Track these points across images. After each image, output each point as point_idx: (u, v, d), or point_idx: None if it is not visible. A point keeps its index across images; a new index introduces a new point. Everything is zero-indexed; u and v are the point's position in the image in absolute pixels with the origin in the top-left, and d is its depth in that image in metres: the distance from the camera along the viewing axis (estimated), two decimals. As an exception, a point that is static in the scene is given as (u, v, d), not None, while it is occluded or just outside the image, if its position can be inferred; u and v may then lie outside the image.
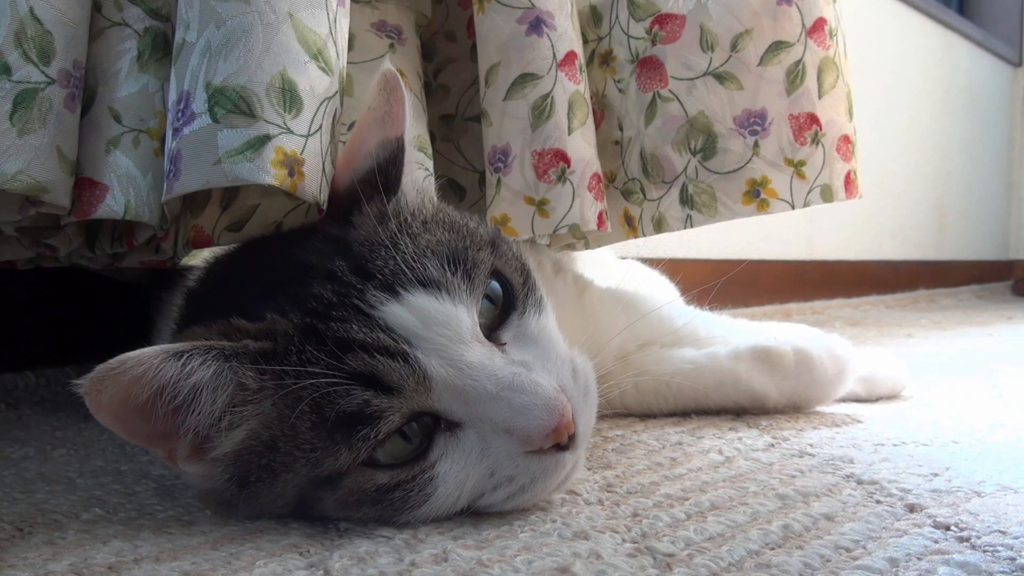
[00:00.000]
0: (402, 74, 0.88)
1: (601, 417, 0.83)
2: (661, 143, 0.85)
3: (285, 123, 0.55)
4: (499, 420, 0.50)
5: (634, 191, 0.89)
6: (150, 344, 0.48)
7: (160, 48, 0.62)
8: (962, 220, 3.34)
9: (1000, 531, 0.52)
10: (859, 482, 0.62)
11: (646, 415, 0.85)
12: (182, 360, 0.48)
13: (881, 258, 2.75)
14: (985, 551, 0.48)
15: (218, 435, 0.50)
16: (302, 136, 0.56)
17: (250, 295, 0.53)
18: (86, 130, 0.61)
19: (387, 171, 0.57)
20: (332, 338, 0.49)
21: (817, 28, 0.83)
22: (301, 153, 0.56)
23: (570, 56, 0.82)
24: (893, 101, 2.78)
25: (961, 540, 0.50)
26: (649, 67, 0.85)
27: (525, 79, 0.81)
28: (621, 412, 0.85)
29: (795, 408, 0.86)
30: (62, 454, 0.68)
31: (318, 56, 0.57)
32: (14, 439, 0.72)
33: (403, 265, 0.52)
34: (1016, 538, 0.50)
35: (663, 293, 1.12)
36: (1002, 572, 0.45)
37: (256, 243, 0.62)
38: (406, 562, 0.46)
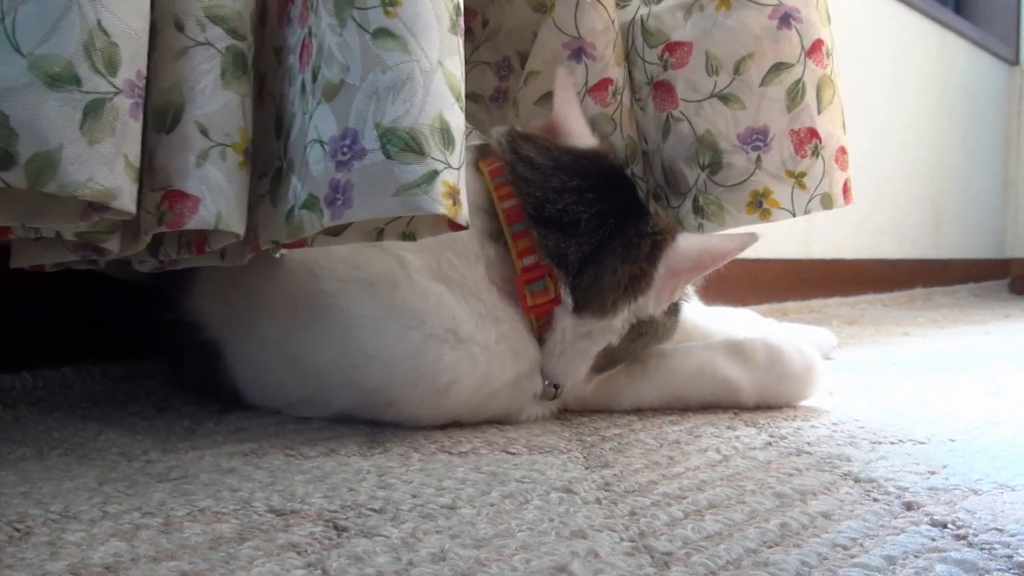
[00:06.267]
0: None
1: (599, 415, 0.84)
2: (675, 158, 0.93)
3: (446, 159, 0.63)
4: None
5: (661, 196, 0.97)
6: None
7: (240, 66, 0.67)
8: (959, 218, 3.34)
9: (997, 529, 0.52)
10: (856, 480, 0.62)
11: (631, 408, 0.87)
12: None
13: (878, 257, 2.75)
14: (982, 549, 0.49)
15: None
16: (457, 169, 0.64)
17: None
18: (174, 145, 0.65)
19: None
20: None
21: (815, 49, 0.89)
22: (458, 184, 0.63)
23: (603, 83, 0.91)
24: (890, 100, 2.79)
25: (958, 538, 0.50)
26: (662, 90, 0.93)
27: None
28: (610, 408, 0.87)
29: (767, 404, 0.88)
30: (59, 454, 0.68)
31: (459, 98, 0.65)
32: (11, 440, 0.72)
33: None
34: (1013, 535, 0.50)
35: None
36: (999, 570, 0.46)
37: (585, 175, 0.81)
38: (404, 561, 0.46)
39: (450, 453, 0.69)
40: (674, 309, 0.86)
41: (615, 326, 0.78)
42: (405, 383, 0.74)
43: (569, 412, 0.85)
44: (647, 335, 0.82)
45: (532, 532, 0.51)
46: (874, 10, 2.67)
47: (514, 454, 0.69)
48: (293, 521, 0.52)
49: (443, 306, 0.74)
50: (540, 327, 0.77)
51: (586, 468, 0.65)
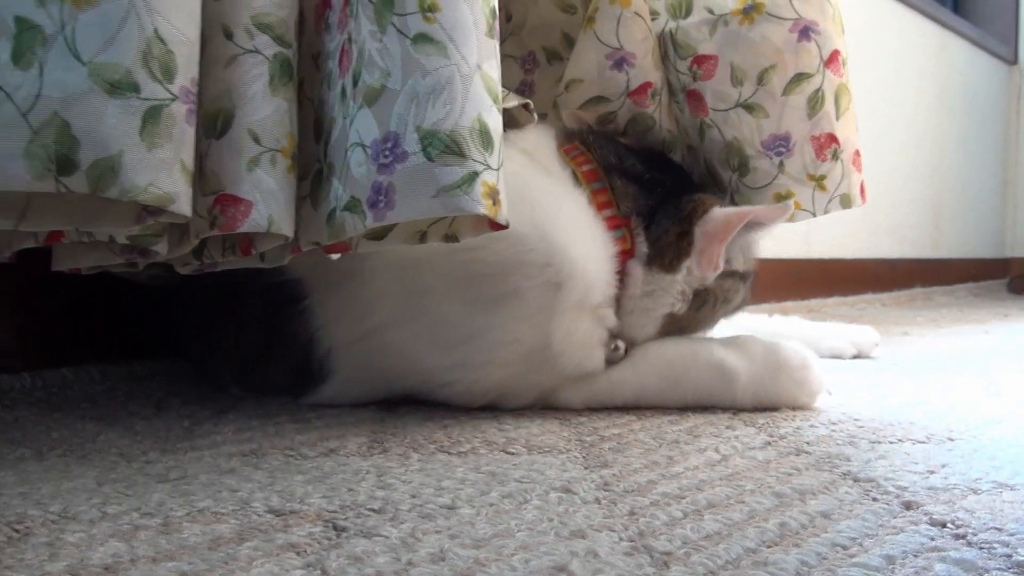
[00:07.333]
0: None
1: (599, 415, 0.84)
2: (712, 159, 0.98)
3: (486, 160, 0.64)
4: None
5: (707, 187, 1.01)
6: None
7: (287, 73, 0.68)
8: (958, 218, 3.34)
9: (996, 528, 0.52)
10: (856, 480, 0.62)
11: (633, 397, 0.87)
12: None
13: (878, 256, 2.75)
14: (981, 548, 0.49)
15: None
16: (496, 170, 0.65)
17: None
18: (226, 150, 0.66)
19: None
20: None
21: (833, 59, 0.93)
22: (497, 184, 0.65)
23: (643, 87, 0.98)
24: (890, 99, 2.79)
25: (957, 537, 0.50)
26: (694, 98, 0.98)
27: (599, 100, 0.98)
28: (612, 398, 0.88)
29: (763, 404, 0.87)
30: (58, 455, 0.68)
31: (497, 100, 0.66)
32: (10, 440, 0.72)
33: None
34: (1012, 535, 0.51)
35: None
36: (998, 569, 0.46)
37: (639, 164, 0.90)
38: (403, 561, 0.46)
39: (449, 453, 0.69)
40: (732, 274, 0.92)
41: (677, 284, 0.86)
42: (531, 265, 0.77)
43: (569, 412, 0.86)
44: (709, 301, 0.90)
45: (531, 532, 0.51)
46: (874, 10, 2.67)
47: (513, 454, 0.69)
48: (292, 521, 0.52)
49: (568, 209, 0.81)
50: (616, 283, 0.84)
51: (585, 468, 0.65)
